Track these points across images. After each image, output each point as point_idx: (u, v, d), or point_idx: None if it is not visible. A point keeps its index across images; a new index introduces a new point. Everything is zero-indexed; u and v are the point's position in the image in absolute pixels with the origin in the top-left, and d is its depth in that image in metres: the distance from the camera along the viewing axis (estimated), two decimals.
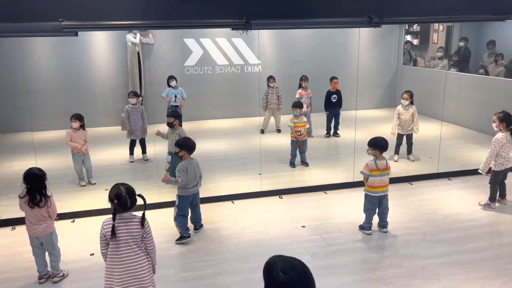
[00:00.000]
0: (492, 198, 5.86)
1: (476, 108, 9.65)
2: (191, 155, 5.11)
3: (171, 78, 9.15)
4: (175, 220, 5.12)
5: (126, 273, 3.40)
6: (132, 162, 7.87)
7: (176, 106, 9.17)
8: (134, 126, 7.67)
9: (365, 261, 4.64)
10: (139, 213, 3.47)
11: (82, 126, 6.72)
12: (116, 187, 3.41)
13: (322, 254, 4.77)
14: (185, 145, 5.05)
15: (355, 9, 5.82)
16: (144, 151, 7.97)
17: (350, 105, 10.15)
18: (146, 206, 3.45)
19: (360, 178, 5.27)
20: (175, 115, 6.72)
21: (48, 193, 4.25)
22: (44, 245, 4.34)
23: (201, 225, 5.41)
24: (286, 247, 4.92)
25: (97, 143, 7.17)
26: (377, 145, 5.03)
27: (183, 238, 5.07)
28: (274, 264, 1.94)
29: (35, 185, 4.16)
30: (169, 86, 9.12)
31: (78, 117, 6.65)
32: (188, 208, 5.15)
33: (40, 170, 4.23)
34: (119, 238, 3.38)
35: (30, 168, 4.23)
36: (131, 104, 7.66)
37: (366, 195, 5.16)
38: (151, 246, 3.49)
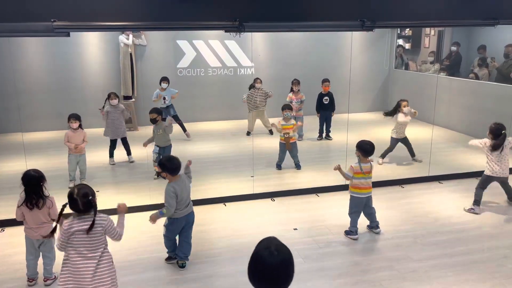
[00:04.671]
0: (476, 201, 5.86)
1: (466, 112, 9.73)
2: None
3: (162, 79, 9.10)
4: (164, 238, 4.69)
5: (80, 274, 3.40)
6: (113, 164, 7.80)
7: (168, 107, 9.15)
8: (114, 126, 7.65)
9: (357, 264, 4.66)
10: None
11: (80, 126, 6.69)
12: (72, 187, 3.48)
13: (313, 257, 4.77)
14: (167, 167, 4.36)
15: (348, 12, 5.86)
16: (129, 153, 7.90)
17: (342, 108, 10.18)
18: (95, 213, 3.42)
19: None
20: (157, 111, 6.82)
21: (46, 193, 4.22)
22: (42, 247, 4.30)
23: (185, 262, 4.61)
24: None
25: (89, 145, 7.16)
26: (361, 148, 5.10)
27: (171, 258, 4.70)
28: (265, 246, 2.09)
29: (32, 187, 4.13)
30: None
31: (77, 117, 6.62)
32: (177, 233, 4.60)
33: (36, 171, 4.20)
34: (73, 240, 3.39)
35: (27, 170, 4.21)
36: (112, 105, 7.63)
37: (352, 197, 5.19)
38: (115, 238, 3.56)
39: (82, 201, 3.36)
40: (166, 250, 4.72)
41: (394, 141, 7.72)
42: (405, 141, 7.76)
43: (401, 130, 7.65)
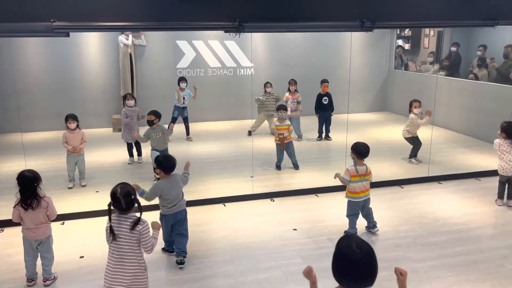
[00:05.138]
0: (498, 194, 6.09)
1: (466, 112, 9.74)
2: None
3: (180, 79, 9.24)
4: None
5: (116, 273, 3.47)
6: (130, 164, 7.81)
7: (184, 108, 9.30)
8: (133, 128, 7.63)
9: None
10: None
11: (77, 126, 6.68)
12: (115, 186, 3.50)
13: (313, 257, 4.77)
14: (163, 165, 4.52)
15: (348, 13, 5.86)
16: (139, 154, 7.92)
17: (342, 109, 10.19)
18: (141, 210, 3.51)
19: None
20: (156, 114, 6.78)
21: (42, 193, 4.21)
22: (40, 247, 4.30)
23: (183, 259, 4.61)
24: (278, 250, 4.92)
25: (88, 145, 7.17)
26: (355, 150, 5.08)
27: (166, 251, 4.86)
28: (348, 239, 2.24)
29: (26, 187, 4.12)
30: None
31: (75, 117, 6.60)
32: (169, 228, 4.70)
33: (31, 172, 4.19)
34: (119, 237, 3.46)
35: (21, 171, 4.21)
36: (129, 106, 7.61)
37: (348, 201, 5.19)
38: (146, 249, 3.53)
39: (125, 200, 3.42)
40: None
41: (411, 140, 7.74)
42: (417, 140, 7.79)
43: (413, 129, 7.67)
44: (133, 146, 7.85)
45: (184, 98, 9.18)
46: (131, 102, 7.64)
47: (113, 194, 3.44)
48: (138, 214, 3.50)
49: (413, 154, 7.80)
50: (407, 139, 7.76)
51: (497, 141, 5.96)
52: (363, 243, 2.20)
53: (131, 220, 3.46)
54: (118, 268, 3.47)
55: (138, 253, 3.52)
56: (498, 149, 5.93)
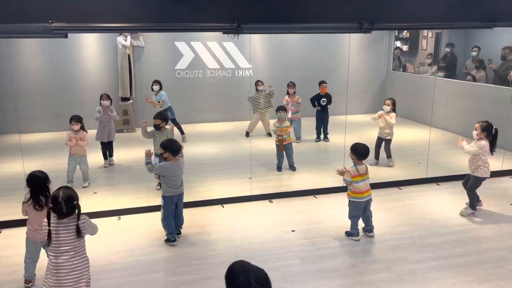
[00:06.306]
0: (473, 206, 5.84)
1: (464, 113, 9.75)
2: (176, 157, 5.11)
3: (153, 82, 9.08)
4: (162, 222, 5.17)
5: (57, 277, 3.37)
6: (106, 167, 7.76)
7: (165, 110, 9.15)
8: (102, 127, 7.58)
9: (354, 266, 4.66)
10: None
11: (82, 127, 6.67)
12: (56, 190, 3.41)
13: (311, 258, 4.77)
14: (170, 148, 5.02)
15: (346, 14, 5.86)
16: (111, 155, 7.87)
17: (340, 110, 10.21)
18: (79, 216, 3.41)
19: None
20: (162, 118, 6.72)
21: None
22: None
23: (180, 231, 5.30)
24: (276, 251, 4.92)
25: (87, 146, 7.16)
26: (355, 151, 5.11)
27: (168, 241, 5.09)
28: (245, 272, 2.12)
29: (38, 188, 4.14)
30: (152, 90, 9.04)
31: (78, 119, 6.59)
32: (173, 209, 5.13)
33: (41, 172, 4.22)
34: (56, 242, 3.37)
35: (32, 171, 4.22)
36: (103, 107, 7.57)
37: (352, 202, 5.17)
38: (93, 232, 3.58)
39: (67, 205, 3.33)
40: (166, 232, 5.14)
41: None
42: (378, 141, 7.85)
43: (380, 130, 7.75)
44: (106, 146, 7.76)
45: (159, 102, 8.96)
46: (105, 103, 7.55)
47: (55, 198, 3.32)
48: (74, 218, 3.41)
49: (387, 155, 7.83)
50: None
51: (484, 143, 5.64)
52: (258, 270, 2.15)
53: (73, 227, 3.37)
54: (65, 270, 3.37)
55: (82, 251, 3.47)
56: (482, 151, 5.63)
